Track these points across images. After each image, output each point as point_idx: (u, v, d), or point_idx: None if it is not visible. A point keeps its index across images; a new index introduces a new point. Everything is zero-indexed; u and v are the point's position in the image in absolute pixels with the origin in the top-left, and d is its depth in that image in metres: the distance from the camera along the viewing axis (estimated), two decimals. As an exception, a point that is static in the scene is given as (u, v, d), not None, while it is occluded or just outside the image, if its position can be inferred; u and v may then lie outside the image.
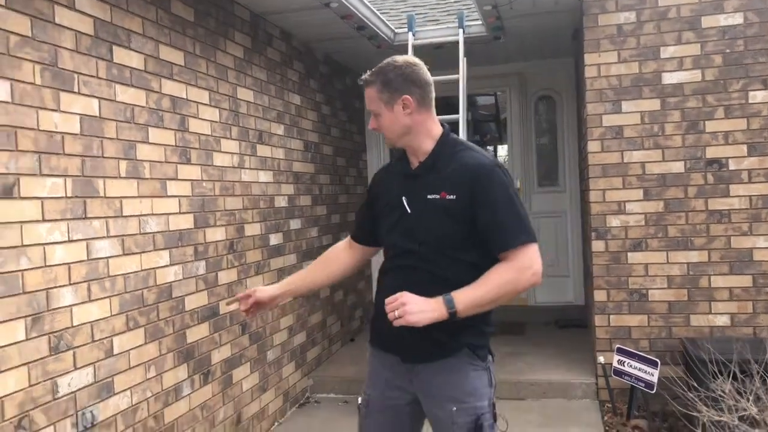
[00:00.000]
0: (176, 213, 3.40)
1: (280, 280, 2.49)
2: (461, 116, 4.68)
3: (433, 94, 2.11)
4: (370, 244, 2.29)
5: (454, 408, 1.99)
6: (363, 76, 2.10)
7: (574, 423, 4.17)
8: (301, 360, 4.98)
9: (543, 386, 4.67)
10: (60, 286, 2.60)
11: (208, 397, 3.66)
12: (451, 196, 1.96)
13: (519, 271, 1.92)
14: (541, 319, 6.37)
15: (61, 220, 2.62)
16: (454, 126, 4.72)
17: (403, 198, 2.05)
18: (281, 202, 4.65)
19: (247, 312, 2.31)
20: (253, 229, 4.21)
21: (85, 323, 2.72)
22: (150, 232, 3.18)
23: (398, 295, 1.89)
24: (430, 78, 2.09)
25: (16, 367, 2.37)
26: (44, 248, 2.53)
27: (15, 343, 2.37)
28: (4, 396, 2.31)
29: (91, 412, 2.72)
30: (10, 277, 2.36)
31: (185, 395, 3.43)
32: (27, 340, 2.43)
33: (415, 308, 1.86)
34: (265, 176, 4.40)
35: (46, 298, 2.52)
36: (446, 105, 7.17)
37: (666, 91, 4.34)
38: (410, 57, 2.12)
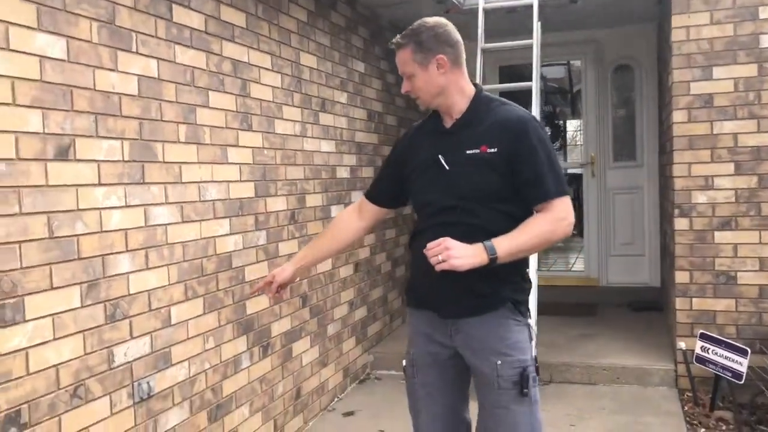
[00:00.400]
0: (237, 181, 3.29)
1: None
2: (534, 84, 4.39)
3: (464, 54, 2.15)
4: (386, 204, 2.35)
5: (499, 361, 2.02)
6: (394, 40, 2.13)
7: (652, 412, 3.91)
8: (361, 335, 4.86)
9: (616, 371, 4.41)
10: (116, 253, 2.51)
11: (267, 370, 3.57)
12: (492, 149, 2.01)
13: (555, 222, 1.99)
14: (612, 301, 6.06)
15: (118, 184, 2.52)
16: (526, 95, 4.46)
17: (440, 156, 2.08)
18: (343, 173, 4.50)
19: (274, 296, 2.37)
20: (314, 200, 4.08)
21: (142, 291, 2.64)
22: (210, 200, 3.07)
23: (440, 240, 1.92)
24: (460, 38, 2.13)
25: (72, 334, 2.30)
26: (100, 213, 2.44)
27: (70, 310, 2.30)
28: (59, 363, 2.25)
29: (147, 383, 2.65)
30: (65, 242, 2.28)
31: (244, 368, 3.34)
32: (82, 307, 2.35)
33: (458, 252, 1.89)
34: (327, 146, 4.26)
35: (102, 265, 2.44)
36: (514, 74, 6.90)
37: (764, 55, 3.95)
38: (439, 18, 2.13)
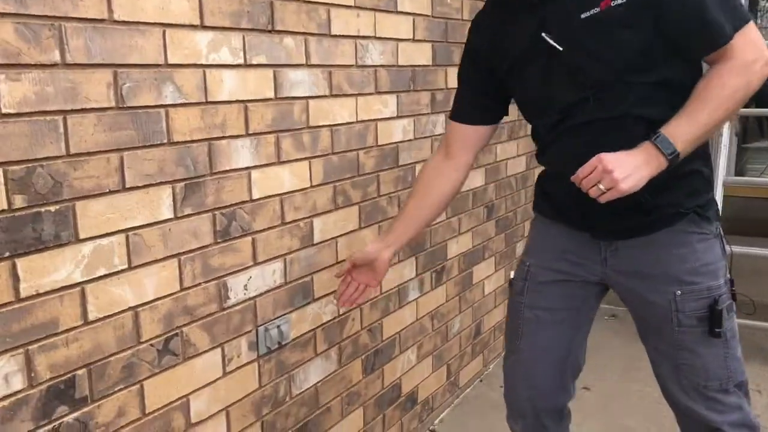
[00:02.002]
0: (408, 40, 2.29)
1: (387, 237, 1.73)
2: None
3: None
4: (484, 120, 1.70)
5: (678, 291, 1.53)
6: None
7: None
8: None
9: None
10: (230, 137, 1.64)
11: (441, 302, 2.68)
12: (619, 1, 1.38)
13: (744, 70, 1.36)
14: None
15: (231, 29, 1.61)
16: None
17: (544, 35, 1.46)
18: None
19: (350, 300, 1.76)
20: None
21: (270, 196, 1.78)
22: (370, 65, 2.11)
23: (592, 161, 1.35)
24: None
25: (160, 260, 1.50)
26: (203, 72, 1.56)
27: (156, 223, 1.48)
28: (140, 305, 1.46)
29: (278, 327, 1.83)
30: (145, 116, 1.43)
31: (411, 300, 2.47)
32: (176, 218, 1.53)
33: (624, 170, 1.33)
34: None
35: (207, 154, 1.59)
36: None
37: None
38: None
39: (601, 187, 1.34)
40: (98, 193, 1.35)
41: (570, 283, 1.67)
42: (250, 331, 1.76)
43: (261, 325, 1.79)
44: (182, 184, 1.53)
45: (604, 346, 3.21)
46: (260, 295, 1.78)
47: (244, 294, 1.73)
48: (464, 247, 2.81)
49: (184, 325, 1.57)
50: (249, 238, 1.73)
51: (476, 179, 2.82)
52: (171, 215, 1.51)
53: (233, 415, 1.73)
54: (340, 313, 2.09)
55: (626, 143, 1.37)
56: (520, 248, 3.35)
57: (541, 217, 1.73)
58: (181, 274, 1.55)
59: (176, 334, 1.55)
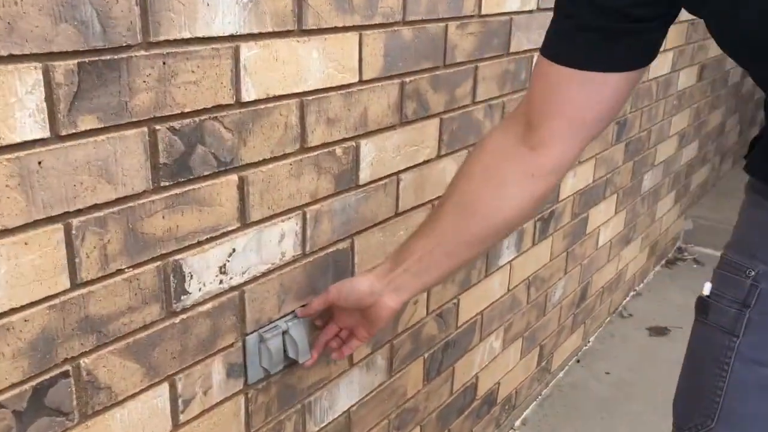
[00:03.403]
0: None
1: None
2: None
3: None
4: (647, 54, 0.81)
5: None
6: None
7: None
8: (683, 189, 2.91)
9: None
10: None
11: (543, 263, 1.84)
12: None
13: None
14: None
15: None
16: None
17: None
18: None
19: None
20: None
21: (279, 98, 0.94)
22: None
23: None
24: None
25: (16, 230, 0.68)
26: None
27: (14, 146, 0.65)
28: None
29: (283, 333, 1.03)
30: None
31: (503, 264, 1.63)
32: (58, 139, 0.69)
33: None
34: None
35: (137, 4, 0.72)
36: None
37: None
38: None
39: None
40: None
41: None
42: (229, 347, 0.96)
43: (251, 333, 0.99)
44: (71, 62, 0.69)
45: None
46: (252, 280, 0.97)
47: (219, 282, 0.92)
48: (582, 183, 1.92)
49: (83, 354, 0.77)
50: (231, 178, 0.89)
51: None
52: (46, 133, 0.68)
53: (194, 489, 0.97)
54: (396, 297, 1.27)
55: None
56: (647, 182, 2.44)
57: (757, 197, 0.90)
58: (72, 254, 0.73)
59: (63, 375, 0.76)
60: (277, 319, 1.03)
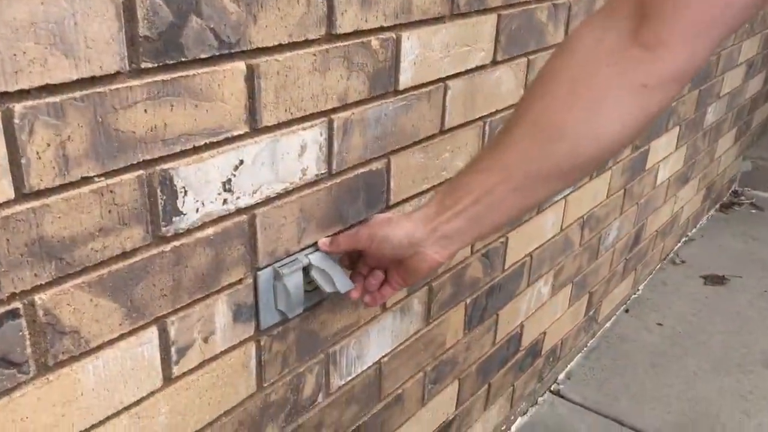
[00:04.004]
0: None
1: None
2: None
3: None
4: None
5: None
6: None
7: None
8: (744, 126, 2.64)
9: None
10: None
11: (600, 200, 1.62)
12: None
13: None
14: None
15: None
16: None
17: None
18: None
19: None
20: None
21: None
22: None
23: None
24: None
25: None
26: None
27: None
28: None
29: (304, 267, 0.84)
30: None
31: (558, 199, 1.42)
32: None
33: None
34: None
35: None
36: None
37: None
38: None
39: None
40: None
41: None
42: (236, 284, 0.77)
43: (264, 267, 0.80)
44: None
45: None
46: (265, 202, 0.77)
47: (223, 202, 0.72)
48: (646, 110, 1.68)
49: (38, 288, 0.59)
50: (236, 66, 0.68)
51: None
52: (-43, -29, 0.48)
53: (193, 455, 0.80)
54: (439, 231, 1.07)
55: None
56: (710, 115, 2.18)
57: None
58: (16, 151, 0.54)
59: (11, 314, 0.57)
60: (297, 252, 0.83)
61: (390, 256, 0.78)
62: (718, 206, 2.68)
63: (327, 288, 0.82)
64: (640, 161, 1.77)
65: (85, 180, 0.59)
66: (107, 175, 0.60)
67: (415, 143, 0.96)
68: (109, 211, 0.62)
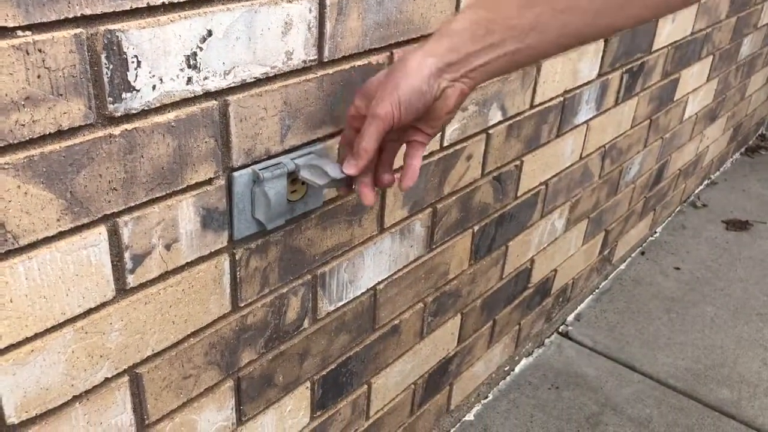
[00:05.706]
0: None
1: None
2: None
3: None
4: None
5: None
6: None
7: None
8: (778, 65, 2.47)
9: None
10: None
11: (624, 129, 1.48)
12: None
13: None
14: None
15: None
16: None
17: None
18: None
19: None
20: None
21: None
22: None
23: None
24: None
25: None
26: None
27: None
28: None
29: (288, 171, 0.72)
30: None
31: (580, 123, 1.29)
32: None
33: None
34: None
35: None
36: None
37: None
38: None
39: None
40: None
41: None
42: (205, 184, 0.66)
43: (241, 168, 0.68)
44: None
45: None
46: (240, 87, 0.65)
47: (187, 81, 0.60)
48: (680, 33, 1.53)
49: (-56, 165, 0.47)
50: None
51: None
52: None
53: (151, 380, 0.69)
54: (444, 145, 0.95)
55: None
56: (746, 47, 2.02)
57: None
58: None
59: None
60: (280, 154, 0.72)
61: (420, 112, 0.61)
62: (743, 150, 2.54)
63: (319, 181, 0.69)
64: (669, 90, 1.62)
65: (4, 31, 0.47)
66: (33, 28, 0.48)
67: (423, 37, 0.83)
68: (39, 76, 0.50)
